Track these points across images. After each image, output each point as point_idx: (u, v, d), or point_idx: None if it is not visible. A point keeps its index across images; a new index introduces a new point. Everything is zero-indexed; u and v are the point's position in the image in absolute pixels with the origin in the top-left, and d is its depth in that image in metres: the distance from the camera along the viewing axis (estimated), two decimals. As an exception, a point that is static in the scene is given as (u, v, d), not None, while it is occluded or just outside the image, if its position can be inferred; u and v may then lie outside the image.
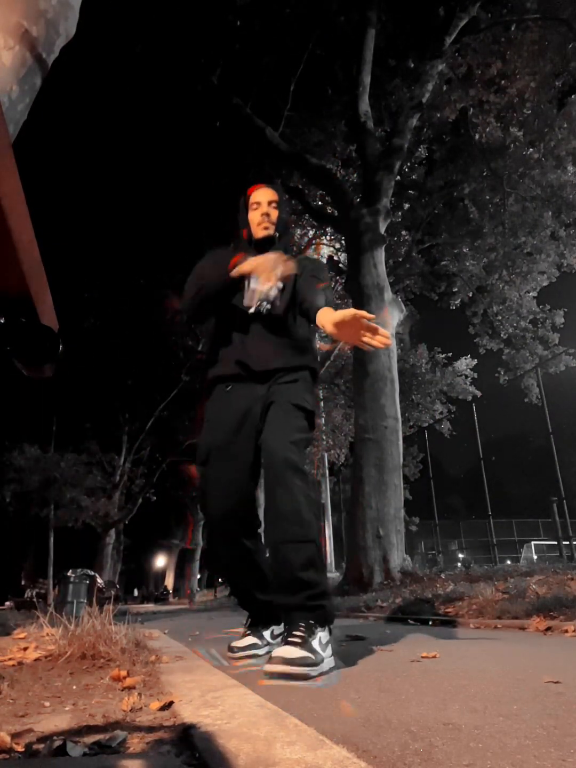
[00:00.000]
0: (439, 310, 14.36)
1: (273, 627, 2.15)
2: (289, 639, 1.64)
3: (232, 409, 2.03)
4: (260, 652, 2.05)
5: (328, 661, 1.68)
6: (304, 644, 1.61)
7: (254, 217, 2.18)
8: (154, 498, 22.76)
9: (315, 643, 1.64)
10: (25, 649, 1.96)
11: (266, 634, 2.13)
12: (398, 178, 10.19)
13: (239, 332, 2.09)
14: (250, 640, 2.08)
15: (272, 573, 1.90)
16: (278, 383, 2.02)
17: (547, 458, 8.48)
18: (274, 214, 2.18)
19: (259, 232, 2.16)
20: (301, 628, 1.67)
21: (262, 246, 2.14)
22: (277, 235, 2.17)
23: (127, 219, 13.72)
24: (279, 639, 1.92)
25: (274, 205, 2.18)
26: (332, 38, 9.67)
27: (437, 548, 13.81)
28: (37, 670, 1.63)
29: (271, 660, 1.58)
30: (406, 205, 12.43)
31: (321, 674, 1.59)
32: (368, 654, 2.07)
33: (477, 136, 9.82)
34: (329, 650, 1.72)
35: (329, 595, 1.80)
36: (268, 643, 2.10)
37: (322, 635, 1.71)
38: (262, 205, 2.17)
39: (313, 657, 1.57)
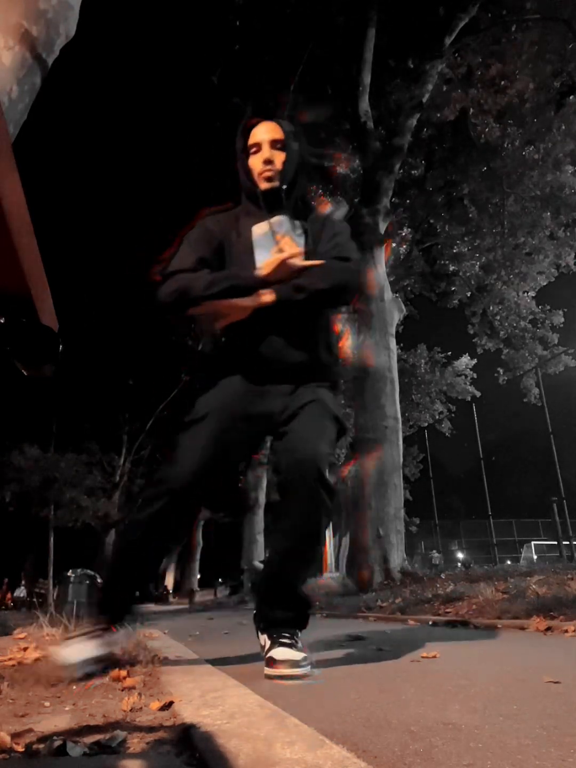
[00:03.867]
0: (438, 310, 14.38)
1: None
2: (282, 641, 1.64)
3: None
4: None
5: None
6: (295, 645, 1.64)
7: (255, 164, 1.73)
8: (154, 498, 22.72)
9: (301, 644, 1.68)
10: (25, 649, 1.96)
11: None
12: (399, 173, 10.18)
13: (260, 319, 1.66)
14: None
15: (268, 580, 1.81)
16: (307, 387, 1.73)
17: (547, 458, 8.49)
18: (280, 157, 1.71)
19: (261, 184, 1.72)
20: (288, 630, 1.72)
21: (270, 201, 1.71)
22: (284, 187, 1.70)
23: (127, 219, 13.73)
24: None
25: (279, 145, 1.72)
26: (332, 38, 9.66)
27: (437, 548, 13.82)
28: (37, 670, 1.63)
29: (275, 663, 1.57)
30: (407, 201, 12.42)
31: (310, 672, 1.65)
32: (368, 654, 2.07)
33: (476, 136, 9.82)
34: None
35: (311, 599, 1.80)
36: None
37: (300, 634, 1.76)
38: (264, 148, 1.71)
39: (309, 656, 1.63)
